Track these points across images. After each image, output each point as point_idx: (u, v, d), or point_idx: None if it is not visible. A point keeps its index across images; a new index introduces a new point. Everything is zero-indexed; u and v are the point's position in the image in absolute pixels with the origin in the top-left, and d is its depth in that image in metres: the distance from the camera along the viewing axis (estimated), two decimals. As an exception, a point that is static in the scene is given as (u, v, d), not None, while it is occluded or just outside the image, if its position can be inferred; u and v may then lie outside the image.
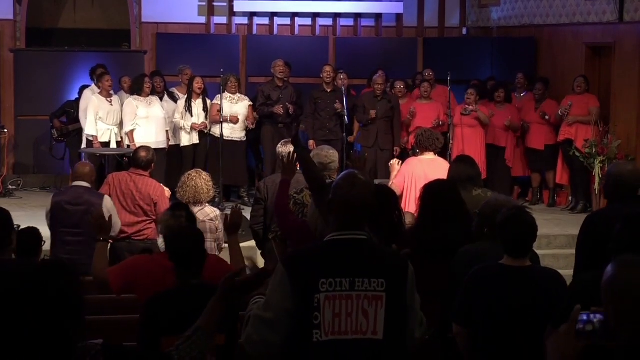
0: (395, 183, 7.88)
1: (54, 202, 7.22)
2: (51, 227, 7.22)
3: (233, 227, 5.33)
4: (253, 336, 3.40)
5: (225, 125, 11.41)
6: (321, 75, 11.94)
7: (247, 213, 9.34)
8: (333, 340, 3.37)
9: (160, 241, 6.05)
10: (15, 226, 4.83)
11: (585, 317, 2.63)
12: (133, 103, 11.27)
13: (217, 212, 7.34)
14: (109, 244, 5.88)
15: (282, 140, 7.31)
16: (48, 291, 2.17)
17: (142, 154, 7.83)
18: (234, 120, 11.52)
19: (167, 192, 7.94)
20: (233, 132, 11.64)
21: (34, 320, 2.13)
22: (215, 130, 11.47)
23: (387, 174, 11.27)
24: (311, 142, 11.64)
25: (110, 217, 5.54)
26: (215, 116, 11.43)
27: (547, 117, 11.75)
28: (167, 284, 4.65)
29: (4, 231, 4.58)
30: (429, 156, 7.77)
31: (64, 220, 7.16)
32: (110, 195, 7.58)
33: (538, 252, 4.94)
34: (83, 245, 7.04)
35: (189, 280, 4.35)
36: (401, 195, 7.89)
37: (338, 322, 3.37)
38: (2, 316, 2.13)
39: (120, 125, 11.45)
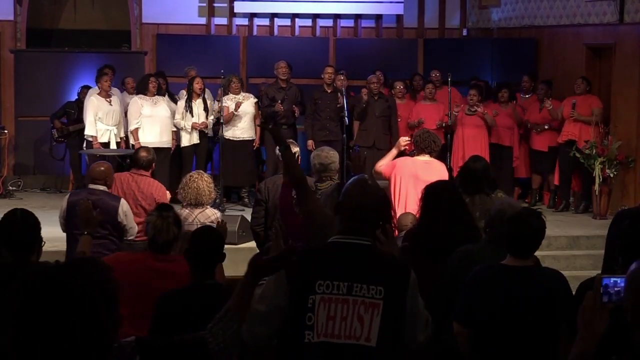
0: (383, 170, 7.73)
1: (69, 202, 7.06)
2: (66, 227, 7.09)
3: None
4: (243, 326, 3.40)
5: (234, 126, 11.45)
6: (322, 76, 11.95)
7: (247, 214, 9.34)
8: (325, 342, 3.36)
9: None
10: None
11: (606, 282, 2.62)
12: (138, 102, 11.30)
13: (218, 214, 7.32)
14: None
15: (286, 141, 7.27)
16: (86, 289, 2.17)
17: (143, 154, 7.83)
18: (238, 105, 11.54)
19: (168, 194, 7.92)
20: (243, 132, 11.71)
21: (73, 321, 2.12)
22: (227, 133, 11.50)
23: (385, 179, 11.29)
24: (310, 142, 11.66)
25: (98, 210, 5.54)
26: (228, 116, 11.47)
27: (546, 127, 11.81)
28: (152, 286, 4.67)
29: (35, 234, 4.59)
30: (424, 158, 7.69)
31: (77, 222, 7.09)
32: None
33: (538, 253, 4.94)
34: (98, 248, 6.95)
35: (204, 280, 4.39)
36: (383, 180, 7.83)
37: (332, 325, 3.36)
38: (36, 317, 2.12)
39: (120, 125, 11.48)
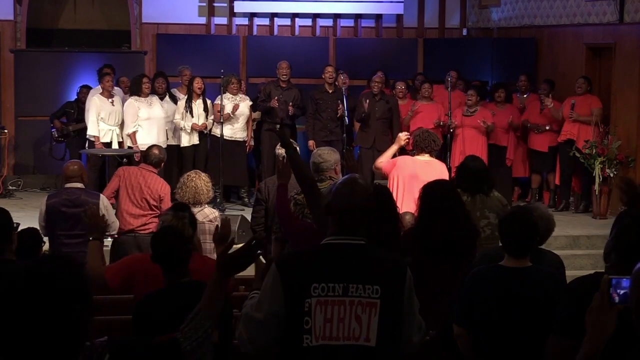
0: (383, 166, 7.74)
1: (48, 205, 7.15)
2: (47, 229, 7.15)
3: (221, 238, 5.29)
4: (243, 335, 3.39)
5: (227, 125, 11.46)
6: (323, 76, 11.94)
7: (247, 214, 9.34)
8: (324, 345, 3.34)
9: None
10: (15, 224, 4.80)
11: (613, 282, 2.61)
12: (135, 104, 11.27)
13: (217, 213, 7.33)
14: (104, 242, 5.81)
15: (293, 144, 7.27)
16: (54, 286, 2.16)
17: (155, 151, 8.03)
18: (236, 108, 11.54)
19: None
20: (235, 132, 11.69)
21: (41, 318, 2.12)
22: (217, 131, 11.51)
23: (384, 176, 11.28)
24: (311, 142, 11.66)
25: (103, 215, 5.56)
26: (225, 116, 11.46)
27: (547, 128, 11.81)
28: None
29: (5, 230, 4.57)
30: (424, 157, 7.68)
31: (60, 222, 7.12)
32: (119, 187, 7.81)
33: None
34: (82, 246, 7.01)
35: (178, 279, 4.37)
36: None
37: (329, 328, 3.34)
38: (10, 316, 2.12)
39: (122, 125, 11.47)
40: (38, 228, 6.20)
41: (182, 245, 4.49)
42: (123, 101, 11.59)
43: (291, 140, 7.66)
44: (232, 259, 3.18)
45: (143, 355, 2.60)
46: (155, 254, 4.48)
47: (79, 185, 7.15)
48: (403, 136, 7.93)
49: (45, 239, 7.06)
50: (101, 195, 7.30)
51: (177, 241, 4.51)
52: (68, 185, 7.18)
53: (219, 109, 11.42)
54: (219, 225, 5.40)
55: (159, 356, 2.70)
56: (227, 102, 11.54)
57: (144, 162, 8.07)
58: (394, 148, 7.84)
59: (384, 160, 7.74)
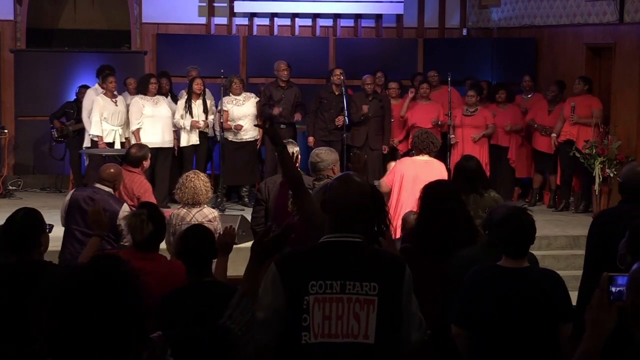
0: (385, 180, 7.89)
1: (72, 197, 7.15)
2: (66, 221, 7.17)
3: (223, 247, 5.29)
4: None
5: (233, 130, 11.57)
6: (331, 78, 11.90)
7: (247, 214, 9.35)
8: (322, 342, 3.35)
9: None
10: (48, 226, 4.81)
11: (613, 280, 2.61)
12: (139, 102, 11.32)
13: (216, 213, 7.32)
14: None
15: (283, 141, 7.26)
16: (116, 282, 2.19)
17: (133, 150, 8.02)
18: (239, 128, 11.60)
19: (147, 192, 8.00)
20: (245, 134, 11.75)
21: (100, 315, 2.14)
22: (228, 135, 11.56)
23: (378, 174, 11.34)
24: (311, 138, 11.68)
25: (107, 213, 5.57)
26: (227, 127, 11.55)
27: (554, 135, 11.80)
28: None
29: (33, 231, 4.59)
30: (424, 158, 7.72)
31: (77, 217, 7.12)
32: None
33: (538, 253, 4.95)
34: None
35: (201, 278, 4.39)
36: (389, 193, 7.90)
37: (328, 325, 3.36)
38: (71, 314, 2.14)
39: (125, 125, 11.49)
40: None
41: (207, 245, 4.53)
42: (126, 101, 11.63)
43: (291, 140, 7.73)
44: (267, 245, 3.27)
45: (201, 346, 2.65)
46: (181, 252, 4.51)
47: (108, 189, 7.13)
48: (392, 165, 8.22)
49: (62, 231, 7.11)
50: (125, 204, 7.23)
51: (203, 241, 4.54)
52: (98, 185, 7.17)
53: (227, 117, 11.48)
54: (222, 234, 5.40)
55: (216, 344, 2.76)
56: (232, 105, 11.58)
57: (124, 162, 8.02)
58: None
59: (383, 179, 7.90)
